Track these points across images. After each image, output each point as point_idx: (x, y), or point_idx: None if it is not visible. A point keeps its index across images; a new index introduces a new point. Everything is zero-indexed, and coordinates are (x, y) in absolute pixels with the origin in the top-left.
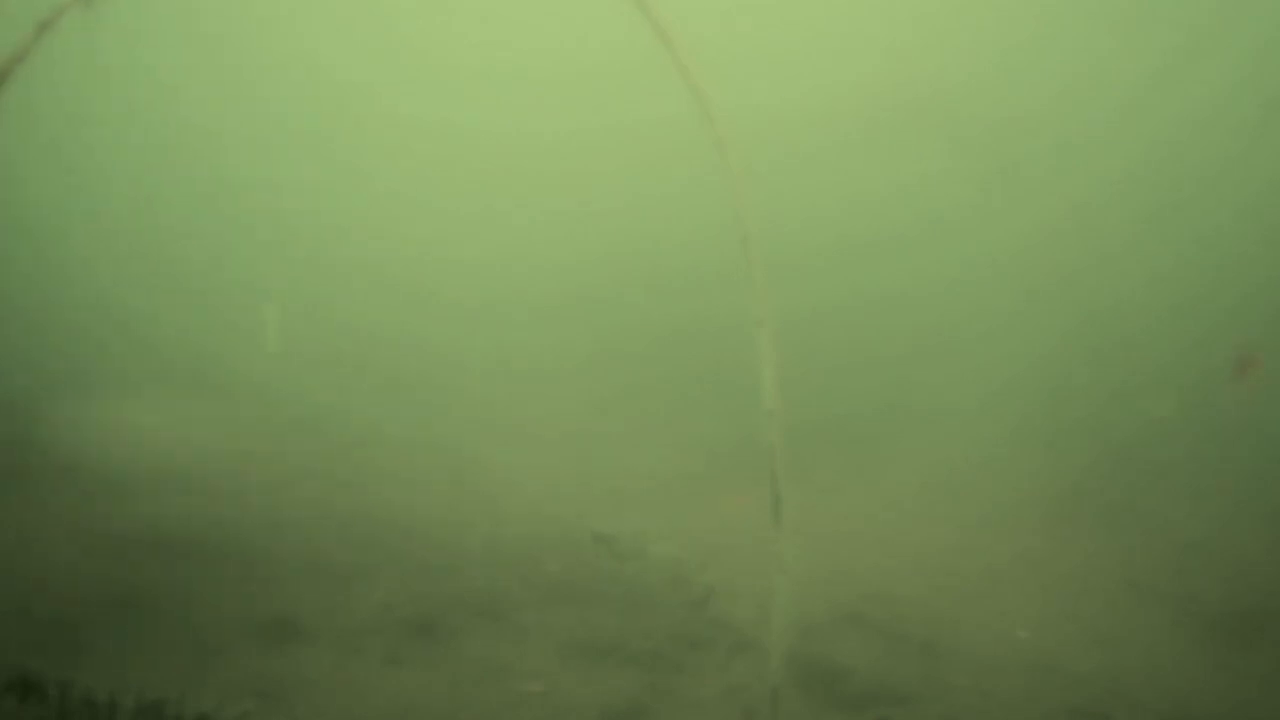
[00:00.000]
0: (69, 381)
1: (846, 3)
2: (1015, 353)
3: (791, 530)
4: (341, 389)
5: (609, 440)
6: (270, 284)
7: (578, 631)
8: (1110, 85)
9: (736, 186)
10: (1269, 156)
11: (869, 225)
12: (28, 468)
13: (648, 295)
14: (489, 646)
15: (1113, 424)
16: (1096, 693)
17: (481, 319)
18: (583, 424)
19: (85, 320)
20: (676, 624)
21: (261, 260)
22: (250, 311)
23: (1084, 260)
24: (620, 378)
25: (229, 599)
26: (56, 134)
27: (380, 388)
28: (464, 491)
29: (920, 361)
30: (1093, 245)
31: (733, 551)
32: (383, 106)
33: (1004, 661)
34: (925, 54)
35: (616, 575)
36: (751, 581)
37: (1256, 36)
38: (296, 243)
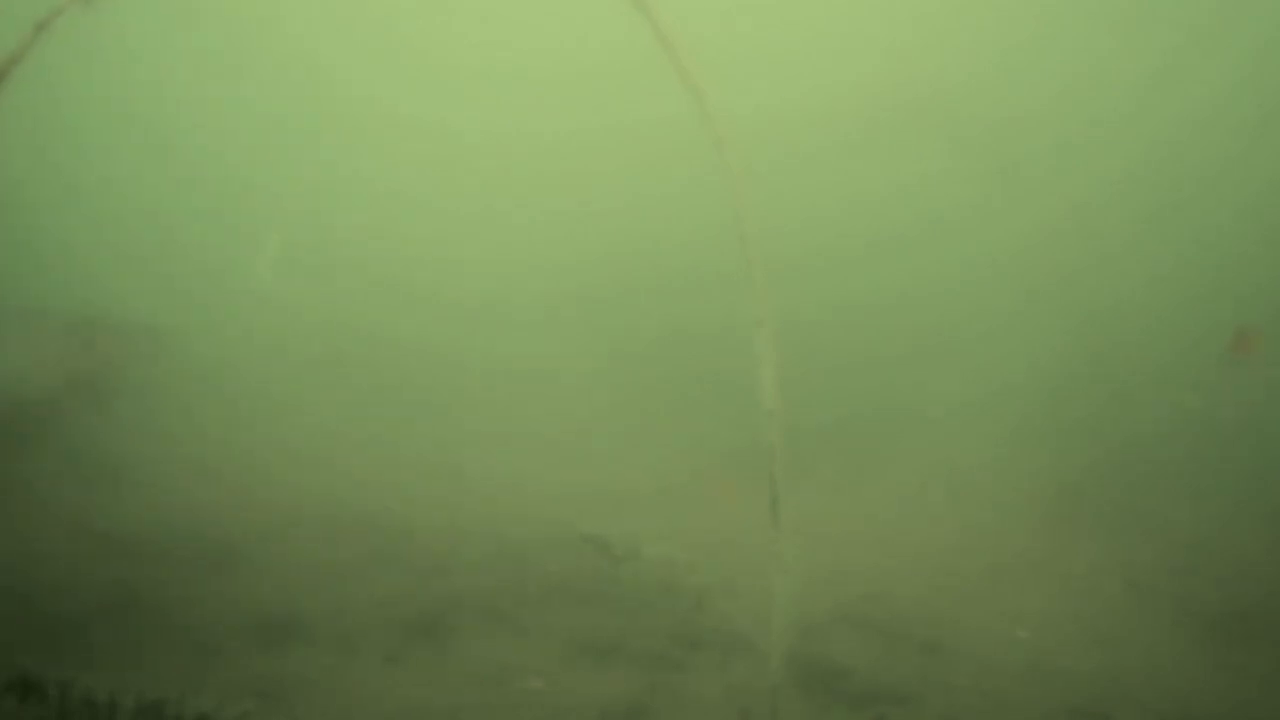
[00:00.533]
0: (69, 381)
1: (846, 3)
2: (1015, 353)
3: (791, 530)
4: (341, 389)
5: (609, 440)
6: (270, 284)
7: (578, 631)
8: (1110, 85)
9: (736, 187)
10: (1269, 156)
11: (869, 225)
12: (28, 467)
13: (648, 296)
14: (489, 646)
15: (1113, 424)
16: (1096, 693)
17: (481, 319)
18: (582, 424)
19: (84, 321)
20: (676, 624)
21: (260, 260)
22: (250, 312)
23: (1084, 260)
24: (620, 378)
25: (229, 599)
26: (55, 134)
27: (379, 388)
28: (464, 492)
29: (920, 362)
30: (1093, 245)
31: (733, 552)
32: (383, 107)
33: (1004, 661)
34: (925, 54)
35: (616, 575)
36: (751, 581)
37: (1256, 36)
38: (296, 243)
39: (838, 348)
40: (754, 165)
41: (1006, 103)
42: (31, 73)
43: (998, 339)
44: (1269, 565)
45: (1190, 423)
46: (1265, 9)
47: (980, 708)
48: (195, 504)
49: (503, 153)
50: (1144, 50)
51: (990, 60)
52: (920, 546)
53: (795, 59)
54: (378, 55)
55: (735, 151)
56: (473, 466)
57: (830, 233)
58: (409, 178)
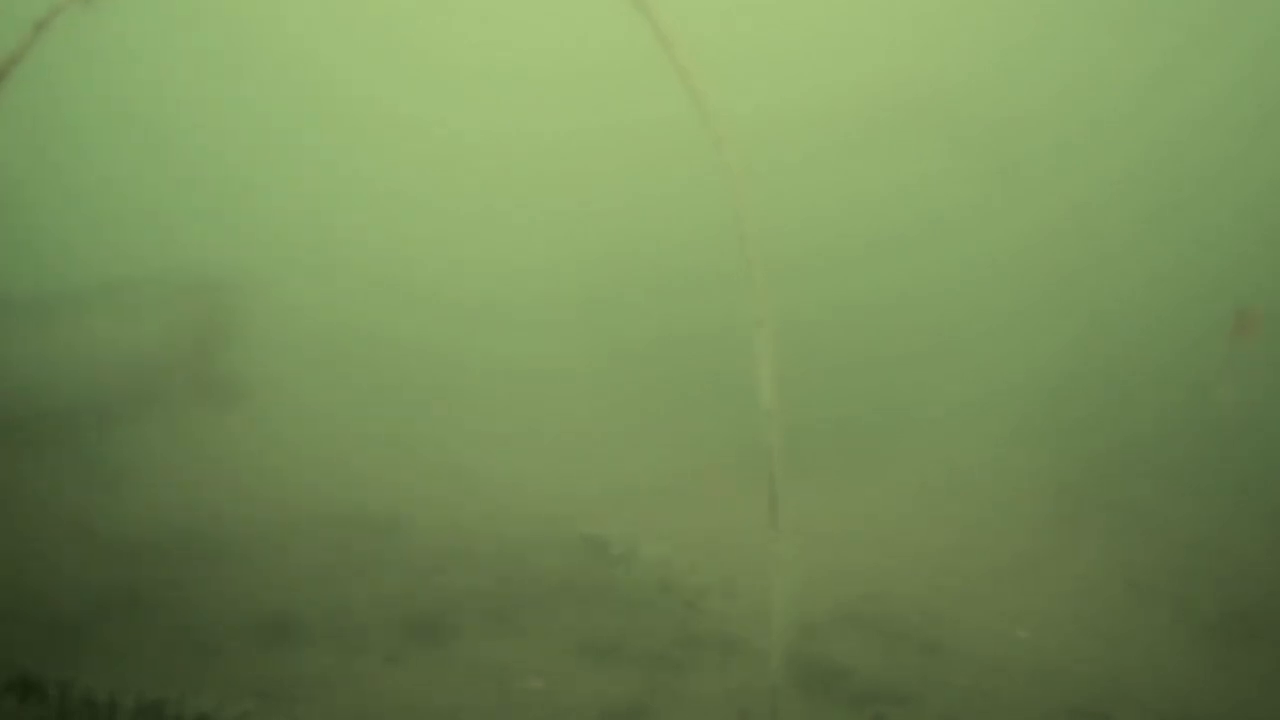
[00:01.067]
0: (68, 381)
1: (846, 3)
2: (1015, 353)
3: (791, 530)
4: (341, 389)
5: (608, 440)
6: (267, 284)
7: (578, 631)
8: (1110, 85)
9: (736, 186)
10: (1269, 156)
11: (869, 225)
12: (29, 467)
13: (647, 295)
14: (489, 646)
15: (1113, 424)
16: (1096, 693)
17: (480, 319)
18: (582, 424)
19: (84, 321)
20: (677, 624)
21: (260, 260)
22: (249, 312)
23: (1084, 260)
24: (619, 378)
25: (229, 599)
26: (55, 134)
27: (379, 388)
28: (464, 492)
29: (920, 362)
30: (1093, 245)
31: (732, 552)
32: (383, 107)
33: (1004, 661)
34: (925, 54)
35: (617, 575)
36: (751, 581)
37: (1256, 36)
38: (295, 243)
39: (837, 348)
40: (754, 165)
41: (1006, 103)
42: (31, 72)
43: (998, 339)
44: (1269, 565)
45: (1190, 423)
46: (1265, 9)
47: (980, 708)
48: (195, 504)
49: (503, 153)
50: (1144, 50)
51: (990, 60)
52: (920, 546)
53: (795, 59)
54: (378, 55)
55: (735, 151)
56: (473, 466)
57: (830, 233)
58: (409, 178)
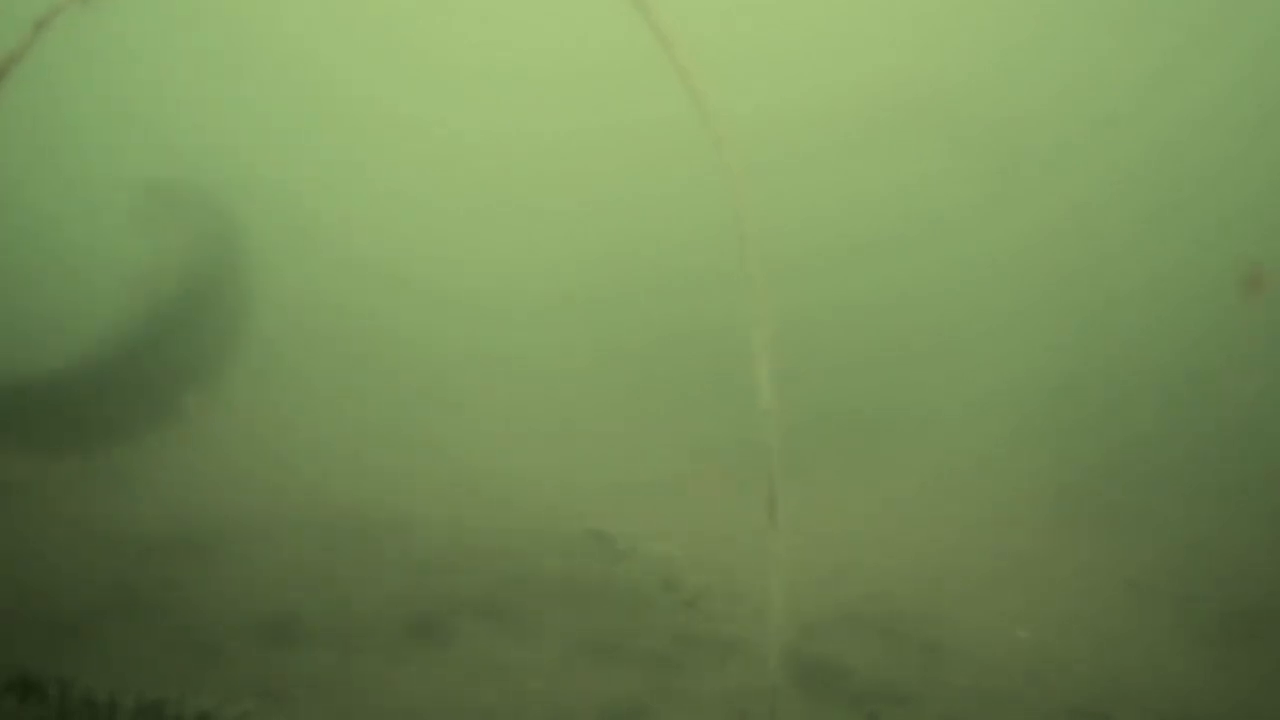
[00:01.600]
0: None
1: (846, 3)
2: (1015, 353)
3: (790, 530)
4: (340, 388)
5: (606, 439)
6: (267, 284)
7: (578, 631)
8: (1110, 85)
9: (735, 186)
10: (1269, 156)
11: (869, 225)
12: (28, 467)
13: (646, 295)
14: (490, 646)
15: (1113, 424)
16: (1096, 693)
17: (478, 318)
18: (580, 422)
19: (84, 321)
20: (677, 624)
21: (260, 260)
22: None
23: (1084, 260)
24: (617, 376)
25: (230, 599)
26: (54, 134)
27: (379, 387)
28: (464, 490)
29: (920, 361)
30: (1093, 245)
31: (731, 552)
32: (381, 106)
33: (1004, 661)
34: (925, 54)
35: (616, 574)
36: (750, 581)
37: (1256, 36)
38: (295, 242)
39: (837, 347)
40: (753, 165)
41: (1006, 103)
42: (31, 72)
43: (998, 339)
44: (1269, 565)
45: (1190, 423)
46: (1265, 9)
47: (980, 708)
48: (195, 504)
49: (502, 152)
50: (1144, 50)
51: (990, 60)
52: (920, 546)
53: (795, 58)
54: (378, 55)
55: (734, 151)
56: (472, 465)
57: (829, 232)
58: (409, 177)
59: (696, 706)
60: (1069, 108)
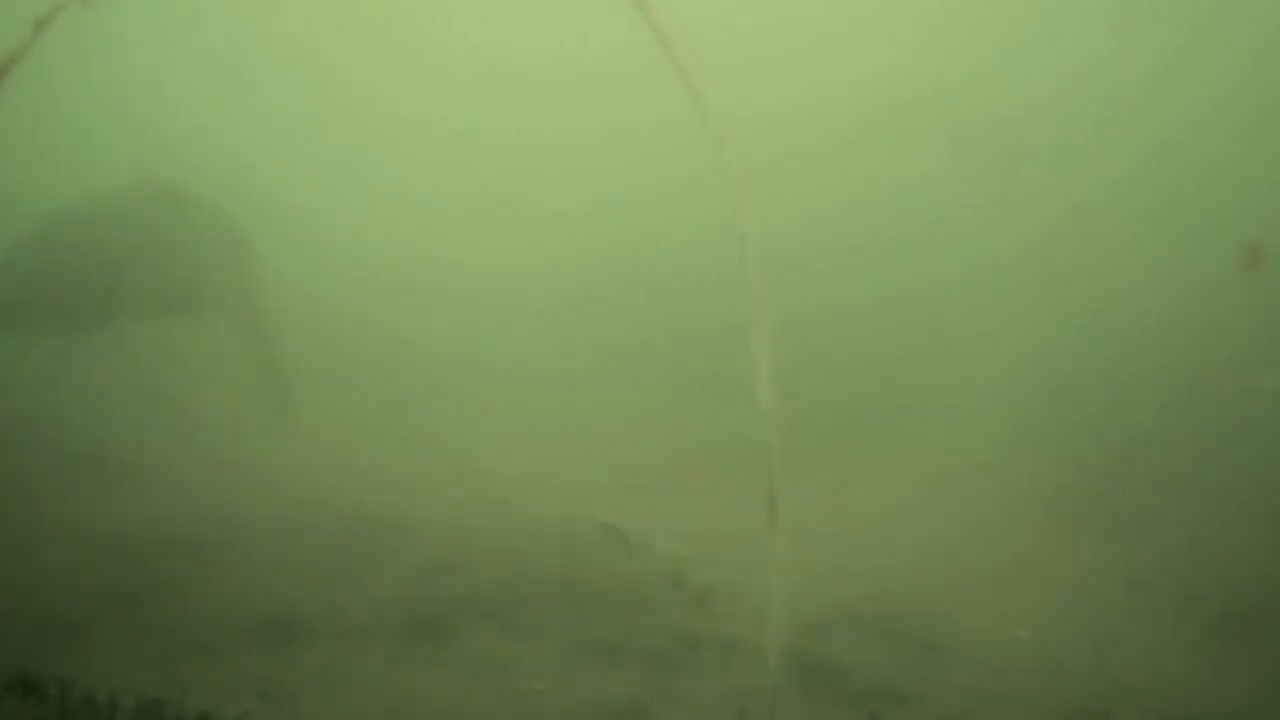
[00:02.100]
0: (68, 382)
1: (846, 3)
2: (1015, 352)
3: (790, 529)
4: (340, 388)
5: (605, 439)
6: (270, 284)
7: (579, 631)
8: (1110, 85)
9: (735, 186)
10: (1269, 156)
11: (868, 225)
12: (28, 467)
13: (645, 295)
14: (490, 646)
15: (1114, 424)
16: (1096, 693)
17: (478, 318)
18: (579, 422)
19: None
20: (677, 623)
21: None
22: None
23: (1084, 260)
24: (617, 376)
25: (229, 599)
26: (54, 134)
27: (378, 387)
28: (464, 490)
29: (920, 361)
30: (1093, 245)
31: (731, 551)
32: (381, 106)
33: (1004, 661)
34: (925, 54)
35: (618, 574)
36: (750, 581)
37: (1256, 36)
38: (295, 243)
39: (837, 347)
40: (753, 165)
41: (1006, 103)
42: (31, 72)
43: (998, 339)
44: (1270, 565)
45: (1190, 423)
46: (1265, 9)
47: (980, 708)
48: (194, 503)
49: (502, 152)
50: (1144, 50)
51: (990, 60)
52: (920, 546)
53: (795, 58)
54: (378, 55)
55: (734, 151)
56: (471, 464)
57: (829, 232)
58: (408, 177)
59: (697, 706)
60: (1069, 108)
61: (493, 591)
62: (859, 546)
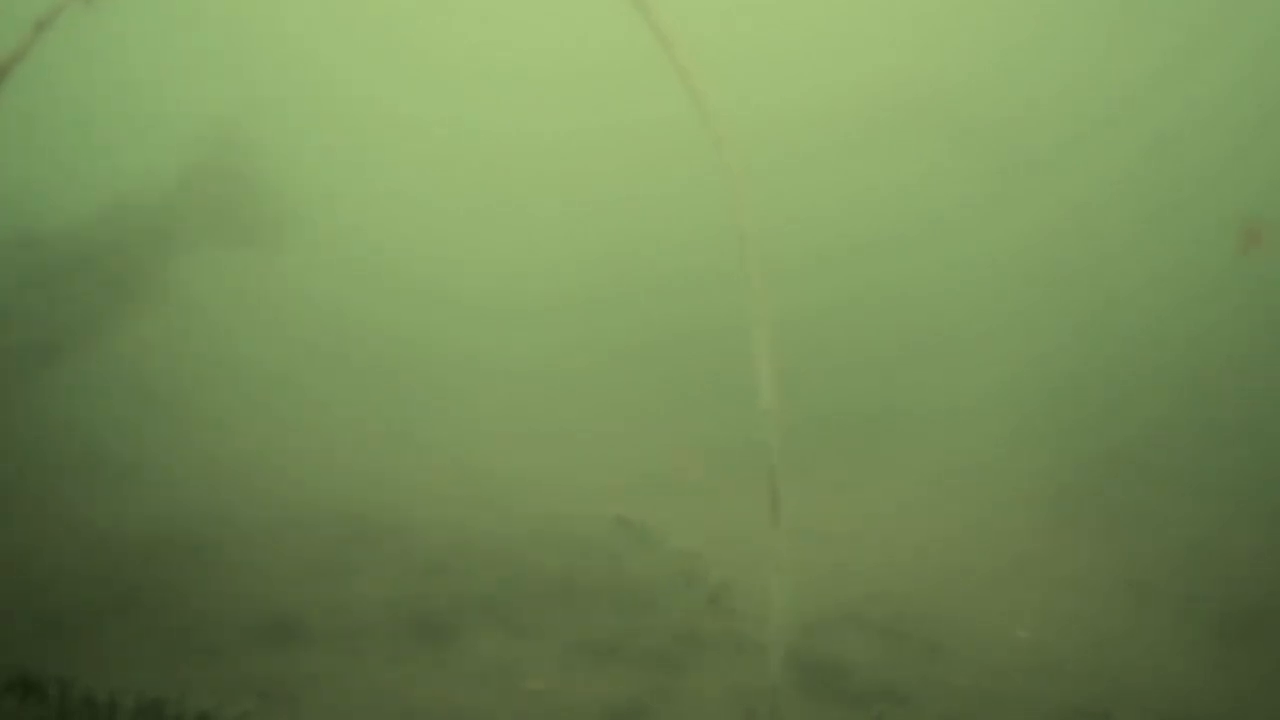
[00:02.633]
0: (68, 382)
1: (846, 3)
2: (1015, 353)
3: (793, 530)
4: (341, 388)
5: (608, 440)
6: (270, 284)
7: (579, 631)
8: (1110, 85)
9: (735, 186)
10: (1269, 156)
11: (868, 225)
12: (28, 467)
13: (647, 295)
14: (490, 646)
15: (1114, 424)
16: (1096, 693)
17: (479, 318)
18: (581, 423)
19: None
20: (677, 623)
21: (261, 261)
22: (249, 313)
23: (1084, 259)
24: (619, 377)
25: (229, 599)
26: (55, 133)
27: (379, 387)
28: (464, 490)
29: (920, 361)
30: (1093, 244)
31: (735, 551)
32: (382, 106)
33: (1004, 661)
34: (925, 54)
35: (620, 573)
36: (752, 581)
37: (1256, 36)
38: (296, 243)
39: (837, 347)
40: (753, 164)
41: (1007, 102)
42: (33, 71)
43: (998, 339)
44: (1269, 565)
45: (1190, 423)
46: (1265, 9)
47: (980, 708)
48: (196, 504)
49: (503, 152)
50: (1144, 50)
51: (990, 60)
52: (920, 546)
53: (795, 58)
54: (378, 55)
55: (734, 151)
56: (472, 465)
57: (829, 232)
58: (408, 177)
59: (698, 706)
60: (1069, 108)
61: (493, 591)
62: (859, 546)
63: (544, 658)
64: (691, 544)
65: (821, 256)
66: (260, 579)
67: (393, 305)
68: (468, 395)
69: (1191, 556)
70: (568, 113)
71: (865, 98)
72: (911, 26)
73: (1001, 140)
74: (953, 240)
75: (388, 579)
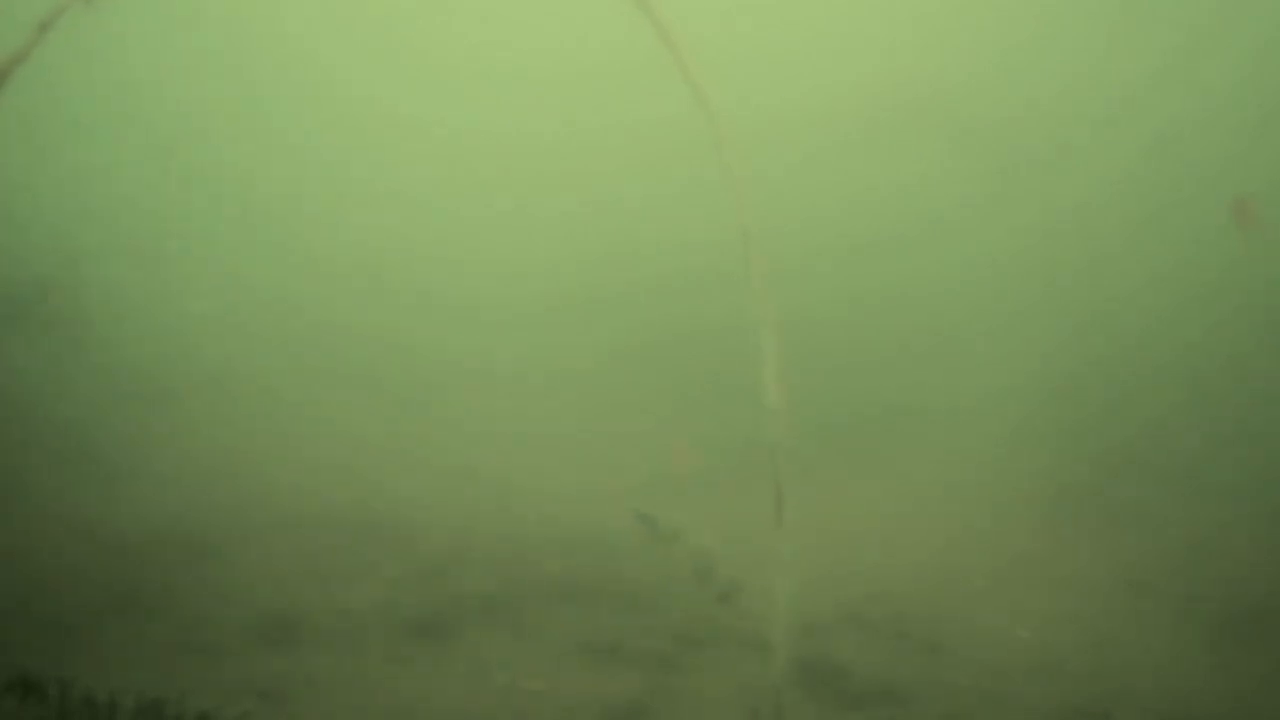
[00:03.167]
0: (68, 382)
1: (846, 3)
2: (1016, 352)
3: (795, 529)
4: (341, 389)
5: (611, 440)
6: (271, 285)
7: (579, 631)
8: (1110, 85)
9: (738, 186)
10: (1269, 156)
11: (870, 224)
12: (28, 467)
13: (649, 295)
14: (490, 646)
15: (1114, 424)
16: (1096, 693)
17: (481, 319)
18: (583, 424)
19: (85, 321)
20: (677, 623)
21: (262, 261)
22: (251, 311)
23: (1084, 260)
24: (622, 378)
25: (229, 599)
26: (57, 135)
27: (379, 388)
28: (464, 492)
29: (921, 361)
30: (1093, 245)
31: (737, 551)
32: (383, 107)
33: (1005, 661)
34: (925, 54)
35: (620, 574)
36: (754, 580)
37: (1256, 36)
38: (297, 244)
39: (838, 347)
40: (755, 164)
41: (1006, 103)
42: (34, 72)
43: (998, 338)
44: (1270, 565)
45: (1190, 423)
46: (1265, 9)
47: (980, 708)
48: (196, 504)
49: (504, 152)
50: (1144, 50)
51: (990, 60)
52: (920, 546)
53: (796, 58)
54: (378, 55)
55: (736, 150)
56: (472, 466)
57: (831, 232)
58: (408, 178)
59: (699, 706)
60: (1069, 108)
61: (493, 592)
62: (860, 546)
63: (544, 658)
64: (700, 543)
65: (822, 257)
66: (260, 579)
67: (394, 306)
68: (467, 396)
69: (1191, 556)
70: (569, 112)
71: (866, 97)
72: (912, 27)
73: (1001, 140)
74: (953, 240)
75: (387, 579)
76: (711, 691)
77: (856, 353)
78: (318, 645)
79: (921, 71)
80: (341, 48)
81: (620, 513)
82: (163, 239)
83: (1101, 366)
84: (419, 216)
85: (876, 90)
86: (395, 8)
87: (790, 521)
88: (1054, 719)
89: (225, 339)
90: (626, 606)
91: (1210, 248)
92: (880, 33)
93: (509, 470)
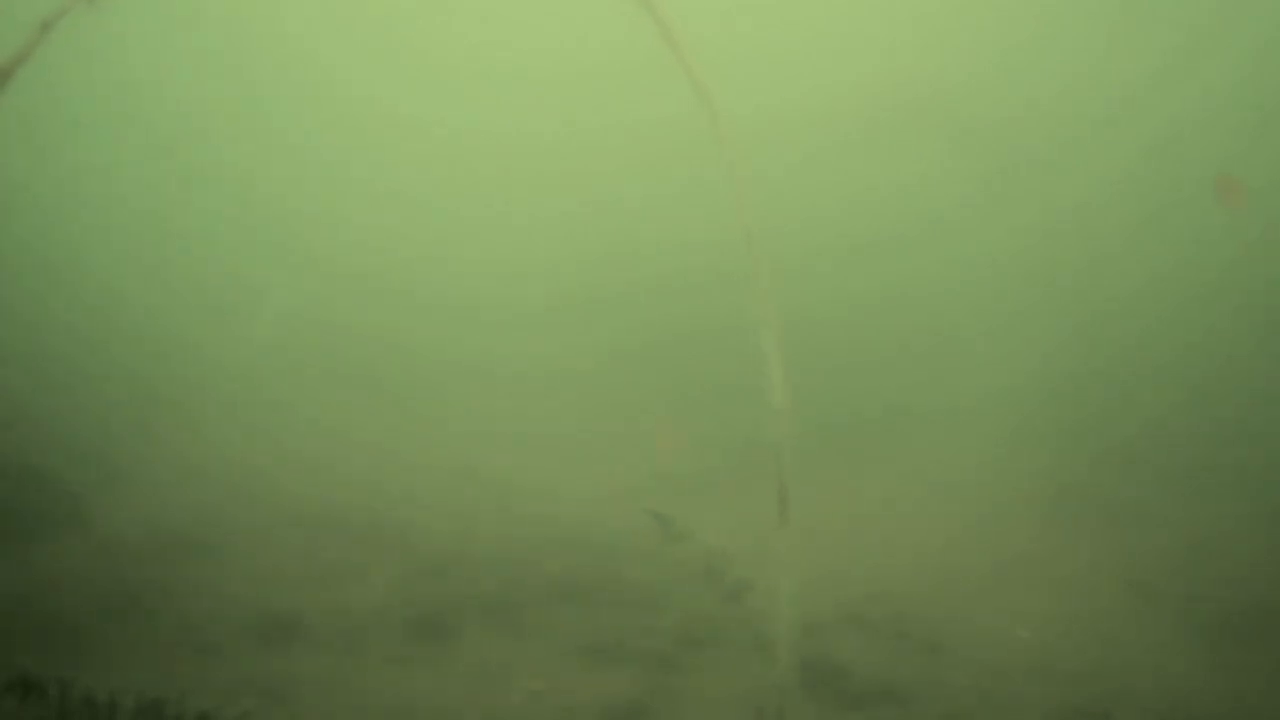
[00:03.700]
0: (69, 383)
1: (847, 3)
2: (1016, 352)
3: (799, 528)
4: (342, 389)
5: (613, 440)
6: (271, 285)
7: (579, 631)
8: (1110, 85)
9: (740, 186)
10: (1269, 156)
11: (870, 225)
12: (29, 467)
13: (652, 295)
14: (490, 646)
15: (1114, 424)
16: (1096, 692)
17: (483, 320)
18: (586, 425)
19: (86, 322)
20: (677, 623)
21: (263, 262)
22: (251, 314)
23: (1084, 260)
24: (625, 378)
25: (230, 599)
26: (59, 134)
27: (380, 388)
28: (465, 492)
29: (922, 361)
30: (1093, 245)
31: (739, 551)
32: (384, 107)
33: (1005, 661)
34: (925, 54)
35: (620, 574)
36: (758, 580)
37: (1256, 36)
38: (297, 245)
39: (840, 347)
40: (757, 164)
41: (1006, 103)
42: (36, 72)
43: (999, 338)
44: (1270, 565)
45: (1190, 423)
46: (1265, 9)
47: (980, 708)
48: (195, 504)
49: (505, 152)
50: (1144, 50)
51: (990, 60)
52: (920, 546)
53: (798, 58)
54: (378, 55)
55: (739, 150)
56: (473, 466)
57: (830, 232)
58: (409, 178)
59: (700, 706)
60: (1069, 108)
61: (493, 592)
62: (860, 546)
63: (544, 658)
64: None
65: (822, 257)
66: (260, 579)
67: (394, 306)
68: (469, 396)
69: (1191, 556)
70: (571, 112)
71: (867, 97)
72: (912, 26)
73: (1001, 140)
74: (953, 240)
75: (387, 579)
76: (712, 692)
77: (857, 353)
78: (318, 645)
79: (922, 71)
80: (341, 48)
81: (621, 513)
82: (163, 239)
83: (1101, 366)
84: (419, 217)
85: (877, 90)
86: (395, 8)
87: (795, 521)
88: (1054, 719)
89: (225, 339)
90: (627, 606)
91: (1210, 248)
92: (881, 33)
93: (509, 470)
